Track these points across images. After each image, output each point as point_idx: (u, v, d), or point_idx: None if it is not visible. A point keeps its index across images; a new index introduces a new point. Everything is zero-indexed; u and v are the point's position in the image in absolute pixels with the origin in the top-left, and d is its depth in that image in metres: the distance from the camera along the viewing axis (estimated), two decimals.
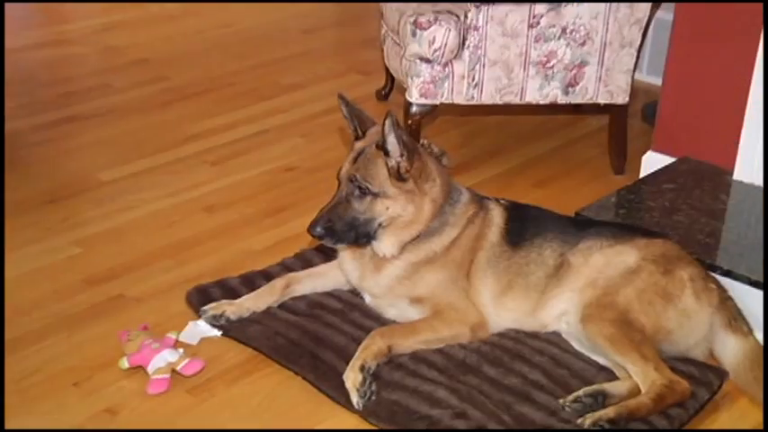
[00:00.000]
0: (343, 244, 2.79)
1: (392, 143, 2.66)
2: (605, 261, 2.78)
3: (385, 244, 2.77)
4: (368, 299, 2.92)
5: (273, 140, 4.23)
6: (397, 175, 2.70)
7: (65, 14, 5.77)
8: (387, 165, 2.70)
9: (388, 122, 2.62)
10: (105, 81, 4.75)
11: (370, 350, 2.63)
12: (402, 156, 2.67)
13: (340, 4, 6.18)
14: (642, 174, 3.74)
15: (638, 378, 2.57)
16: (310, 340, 2.77)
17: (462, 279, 2.81)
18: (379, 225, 2.74)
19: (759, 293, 2.89)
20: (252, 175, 3.93)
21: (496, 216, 2.90)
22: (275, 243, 3.40)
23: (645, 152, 3.82)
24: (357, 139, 2.85)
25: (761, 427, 2.61)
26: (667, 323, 2.68)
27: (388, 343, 2.67)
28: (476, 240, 2.84)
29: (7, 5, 5.63)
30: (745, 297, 2.86)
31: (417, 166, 2.72)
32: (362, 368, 2.57)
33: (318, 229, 2.70)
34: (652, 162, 3.72)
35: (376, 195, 2.71)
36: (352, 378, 2.56)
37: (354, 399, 2.54)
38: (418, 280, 2.80)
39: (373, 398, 2.54)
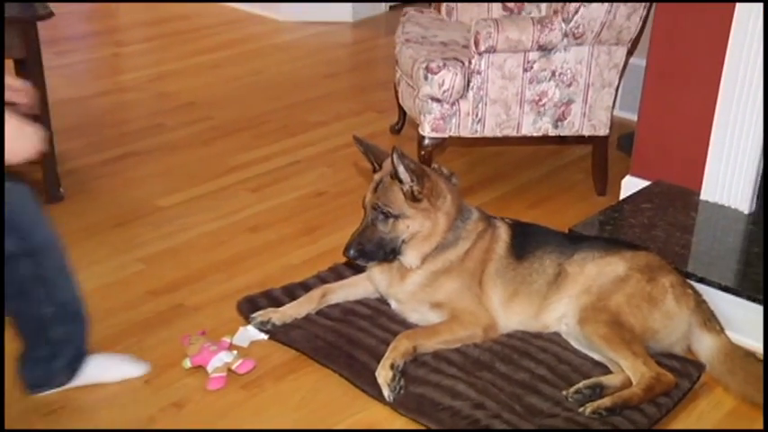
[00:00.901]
0: (374, 262, 2.78)
1: (402, 172, 2.65)
2: (598, 271, 2.76)
3: (409, 257, 2.76)
4: (393, 305, 2.90)
5: (304, 170, 4.20)
6: (412, 197, 2.69)
7: (123, 67, 5.77)
8: (402, 190, 2.69)
9: (395, 156, 2.62)
10: (159, 121, 4.73)
11: (398, 350, 2.60)
12: (413, 180, 2.66)
13: (355, 55, 6.17)
14: (622, 195, 3.71)
15: (629, 372, 2.55)
16: (345, 342, 2.74)
17: (475, 286, 2.79)
18: (403, 241, 2.72)
19: (729, 297, 2.87)
20: (287, 199, 3.90)
21: (503, 232, 2.88)
22: (311, 258, 3.36)
23: (622, 176, 3.79)
24: (375, 171, 2.84)
25: (736, 413, 2.59)
26: (653, 324, 2.66)
27: (414, 344, 2.64)
28: (486, 253, 2.82)
29: (74, 62, 5.66)
30: (717, 300, 2.84)
31: (428, 186, 2.71)
32: (392, 366, 2.55)
33: (352, 252, 2.69)
34: (630, 185, 3.70)
35: (397, 217, 2.70)
36: (383, 375, 2.54)
37: (386, 392, 2.52)
38: (438, 287, 2.77)
39: (402, 392, 2.52)
